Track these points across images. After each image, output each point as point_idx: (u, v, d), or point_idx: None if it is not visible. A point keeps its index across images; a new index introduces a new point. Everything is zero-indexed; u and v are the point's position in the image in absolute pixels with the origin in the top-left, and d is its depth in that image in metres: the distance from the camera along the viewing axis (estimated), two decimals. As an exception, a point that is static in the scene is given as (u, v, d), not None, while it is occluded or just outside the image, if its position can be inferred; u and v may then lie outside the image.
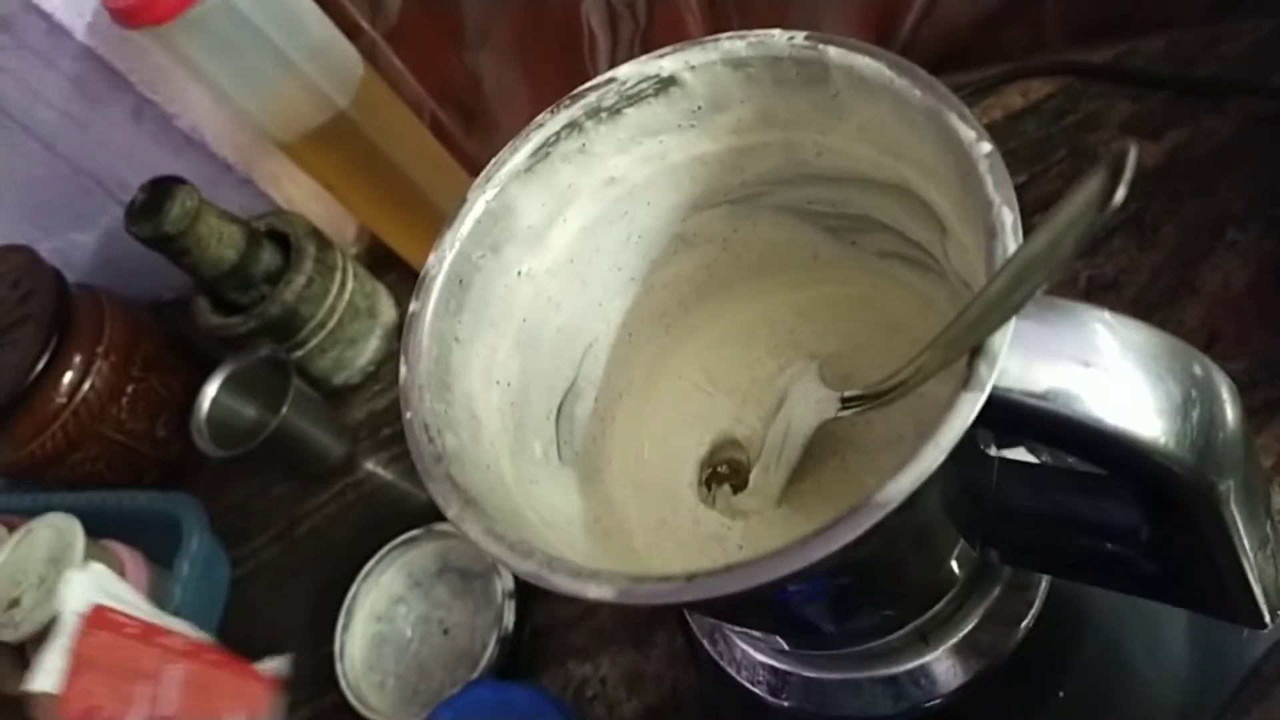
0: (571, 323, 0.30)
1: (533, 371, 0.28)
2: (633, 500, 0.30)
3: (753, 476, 0.28)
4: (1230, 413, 0.21)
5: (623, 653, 0.59)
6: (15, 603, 0.64)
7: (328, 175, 0.71)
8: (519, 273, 0.28)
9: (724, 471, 0.31)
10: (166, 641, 0.60)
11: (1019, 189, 0.65)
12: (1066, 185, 0.63)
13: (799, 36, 0.24)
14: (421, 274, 0.25)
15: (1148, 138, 0.63)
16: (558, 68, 0.73)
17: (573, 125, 0.27)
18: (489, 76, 0.75)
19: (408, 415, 0.23)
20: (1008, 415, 0.20)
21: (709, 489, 0.30)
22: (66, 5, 0.65)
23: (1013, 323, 0.19)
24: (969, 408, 0.18)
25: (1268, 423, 0.51)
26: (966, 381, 0.18)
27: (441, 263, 0.26)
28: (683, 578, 0.19)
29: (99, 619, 0.58)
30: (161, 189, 0.66)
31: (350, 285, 0.75)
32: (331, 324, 0.74)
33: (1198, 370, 0.21)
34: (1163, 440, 0.20)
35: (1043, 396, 0.20)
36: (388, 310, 0.79)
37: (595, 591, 0.19)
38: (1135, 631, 0.39)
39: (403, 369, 0.24)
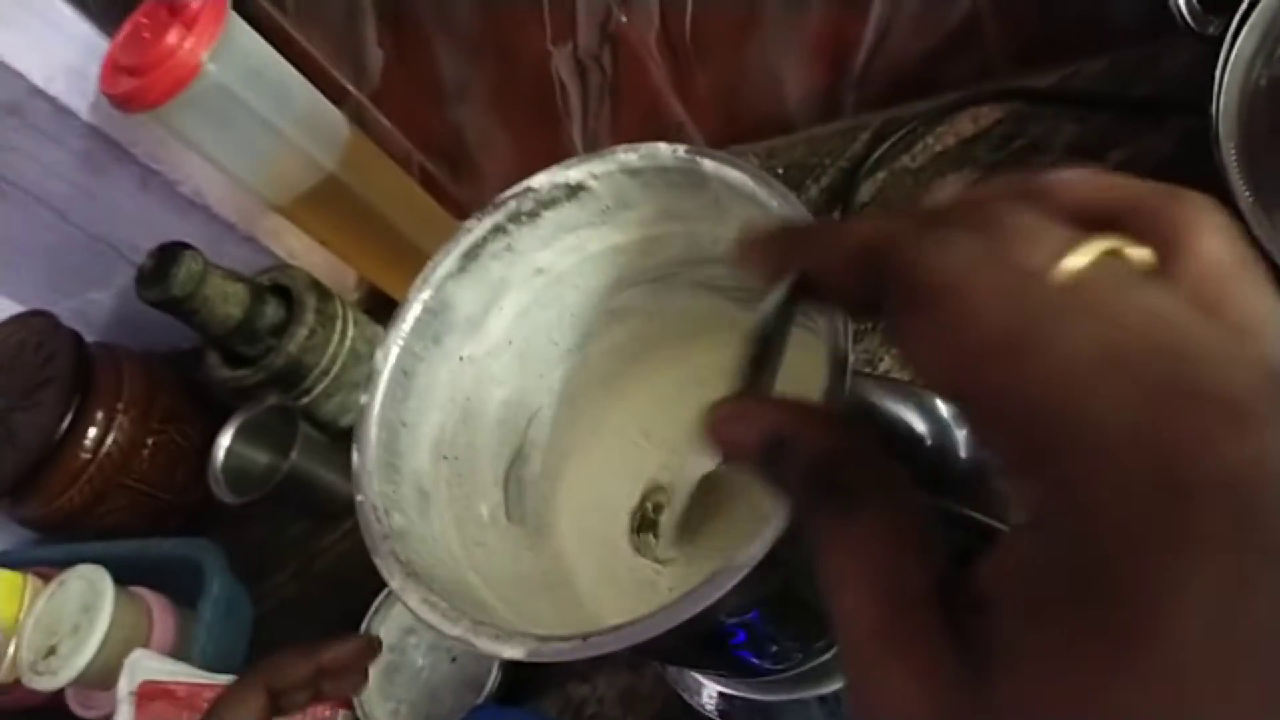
0: (515, 396, 0.34)
1: (479, 443, 0.32)
2: (578, 552, 0.34)
3: (662, 522, 0.32)
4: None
5: (618, 674, 0.63)
6: (52, 651, 0.69)
7: (323, 233, 0.75)
8: (460, 358, 0.32)
9: (651, 518, 0.34)
10: (213, 695, 0.65)
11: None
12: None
13: (680, 150, 0.28)
14: (369, 369, 0.29)
15: (1092, 158, 0.66)
16: (534, 116, 0.77)
17: (497, 229, 0.31)
18: (470, 128, 0.79)
19: (359, 498, 0.27)
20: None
21: (638, 536, 0.34)
22: (71, 89, 0.70)
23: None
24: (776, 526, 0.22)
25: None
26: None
27: (386, 358, 0.30)
28: (579, 637, 0.22)
29: (149, 691, 0.63)
30: (168, 254, 0.70)
31: (351, 332, 0.79)
32: (335, 370, 0.78)
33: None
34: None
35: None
36: (388, 353, 0.83)
37: (510, 651, 0.23)
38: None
39: (354, 456, 0.28)
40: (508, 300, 0.32)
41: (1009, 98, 0.69)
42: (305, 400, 0.78)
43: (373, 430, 0.28)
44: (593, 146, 0.76)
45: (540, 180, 0.30)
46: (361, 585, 0.70)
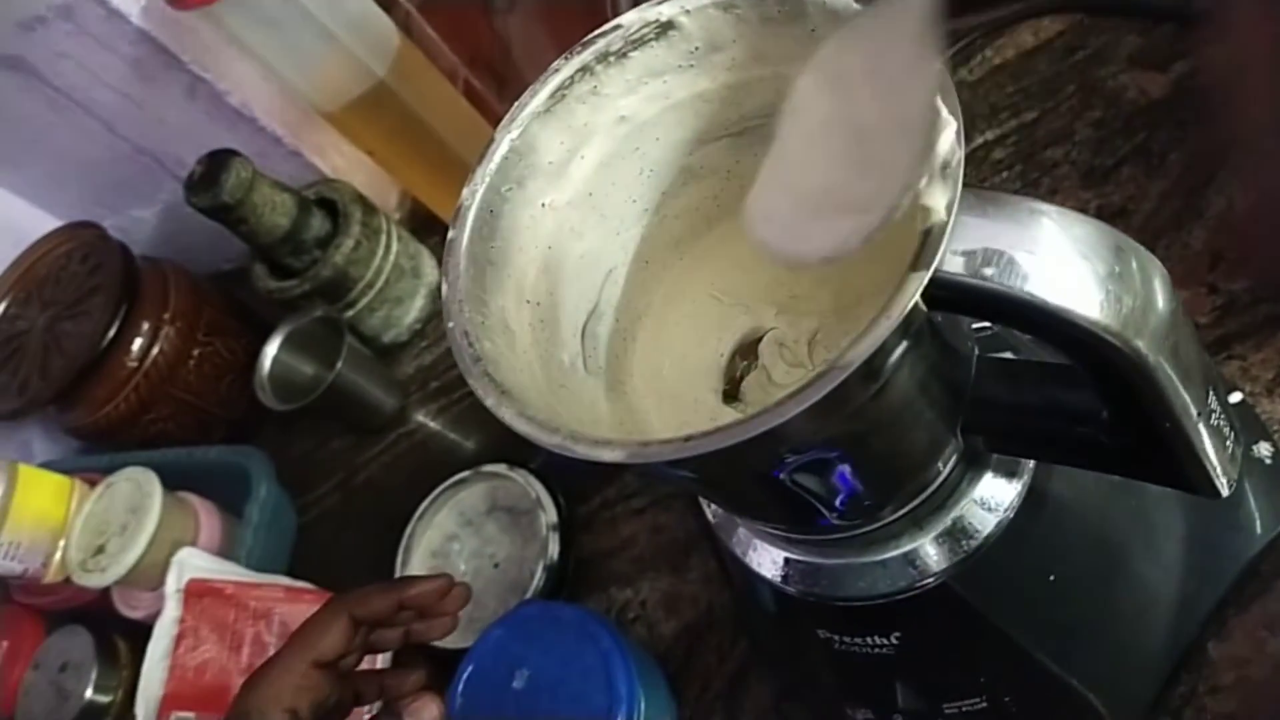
0: (593, 251, 0.33)
1: (559, 294, 0.32)
2: (654, 409, 0.34)
3: (748, 381, 0.32)
4: (1160, 293, 0.25)
5: (661, 578, 0.64)
6: (101, 550, 0.70)
7: (370, 142, 0.75)
8: (543, 204, 0.32)
9: (739, 376, 0.34)
10: (260, 594, 0.66)
11: (1031, 124, 0.68)
12: (1076, 120, 0.66)
13: (779, -22, 0.27)
14: (457, 205, 0.29)
15: (1154, 69, 0.65)
16: (582, 27, 0.76)
17: (584, 69, 0.30)
18: (517, 41, 0.79)
19: (449, 325, 0.27)
20: (955, 295, 0.23)
21: (738, 386, 0.34)
22: (122, -9, 0.70)
23: (956, 206, 0.22)
24: (915, 285, 0.21)
25: (1269, 338, 0.53)
26: (914, 262, 0.22)
27: (474, 195, 0.29)
28: (681, 438, 0.22)
29: (197, 589, 0.64)
30: (217, 161, 0.70)
31: (395, 247, 0.80)
32: (379, 284, 0.79)
33: (1130, 255, 0.24)
34: (1094, 313, 0.23)
35: (985, 277, 0.23)
36: (431, 271, 0.83)
37: (609, 454, 0.23)
38: (1128, 525, 0.42)
39: (444, 286, 0.28)
40: (590, 148, 0.32)
41: (1070, 9, 0.68)
42: (349, 313, 0.78)
43: (461, 262, 0.28)
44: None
45: (630, 17, 0.30)
46: (403, 497, 0.70)
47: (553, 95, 0.30)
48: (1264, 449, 0.46)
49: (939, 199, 0.22)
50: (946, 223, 0.22)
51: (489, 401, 0.25)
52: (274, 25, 0.64)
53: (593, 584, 0.65)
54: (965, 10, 0.71)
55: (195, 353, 0.80)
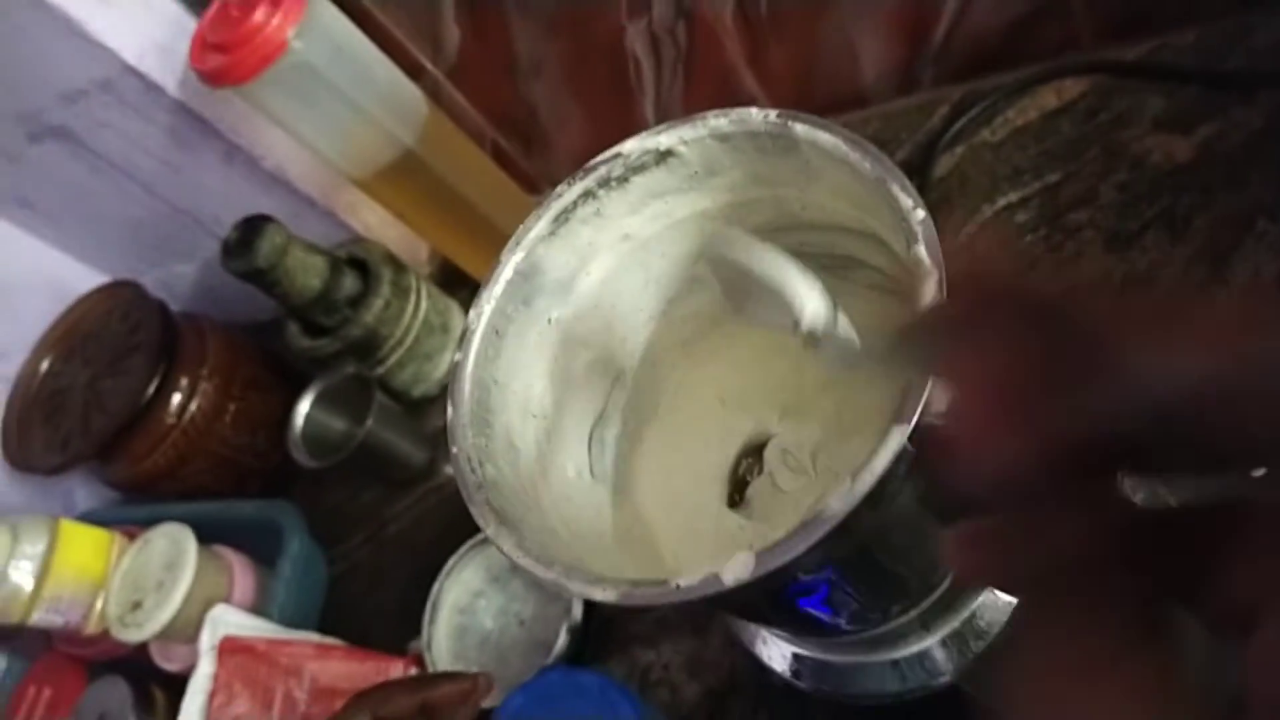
0: (600, 359, 0.34)
1: (565, 404, 0.33)
2: (660, 513, 0.35)
3: (753, 485, 0.33)
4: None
5: (683, 640, 0.64)
6: (138, 605, 0.71)
7: (400, 206, 0.77)
8: (549, 320, 0.33)
9: (745, 480, 0.35)
10: (293, 650, 0.67)
11: (1053, 187, 0.68)
12: (1100, 182, 0.65)
13: (771, 114, 0.28)
14: (462, 329, 0.30)
15: (1179, 133, 0.64)
16: (607, 91, 0.78)
17: (587, 194, 0.31)
18: (544, 104, 0.80)
19: (454, 450, 0.28)
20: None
21: (743, 491, 0.34)
22: (160, 66, 0.72)
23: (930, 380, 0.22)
24: (896, 439, 0.22)
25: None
26: (896, 414, 0.22)
27: (479, 319, 0.30)
28: (670, 582, 0.23)
29: (230, 646, 0.65)
30: (252, 227, 0.72)
31: (424, 304, 0.81)
32: (409, 341, 0.80)
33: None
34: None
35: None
36: (460, 325, 0.85)
37: (602, 594, 0.24)
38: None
39: (449, 410, 0.29)
40: (595, 264, 0.33)
41: (1094, 70, 0.68)
42: (380, 370, 0.80)
43: (466, 386, 0.29)
44: (665, 121, 0.77)
45: (630, 146, 0.31)
46: (432, 550, 0.71)
47: (556, 219, 0.32)
48: None
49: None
50: (924, 391, 0.22)
51: (488, 531, 0.26)
52: (305, 100, 0.66)
53: (616, 644, 0.66)
54: (987, 70, 0.71)
55: (231, 407, 0.82)
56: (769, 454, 0.34)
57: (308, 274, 0.75)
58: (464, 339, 0.30)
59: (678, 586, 0.23)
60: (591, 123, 0.82)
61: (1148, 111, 0.66)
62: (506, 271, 0.31)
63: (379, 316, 0.77)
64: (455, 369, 0.30)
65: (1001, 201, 0.67)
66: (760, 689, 0.59)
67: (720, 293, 0.36)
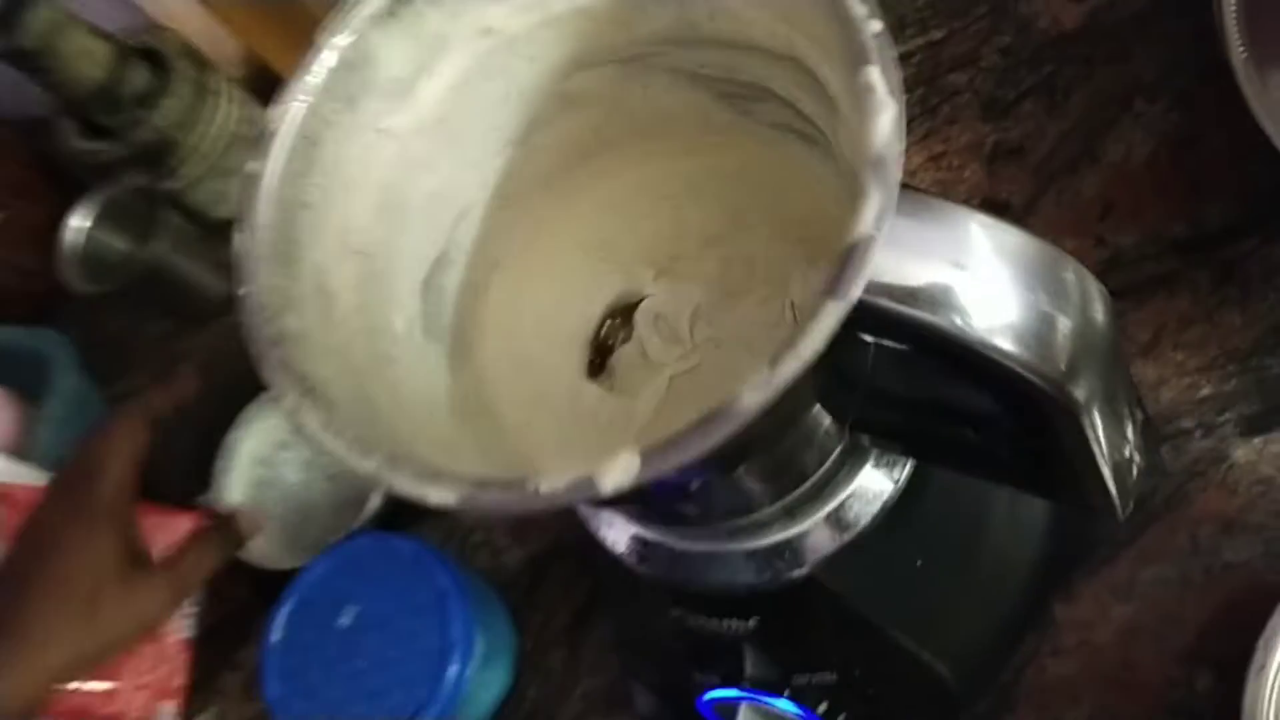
0: (443, 187, 0.28)
1: (397, 240, 0.26)
2: (506, 379, 0.29)
3: (619, 352, 0.27)
4: (1100, 325, 0.21)
5: (510, 501, 0.60)
6: None
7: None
8: (379, 130, 0.25)
9: (608, 345, 0.30)
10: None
11: (936, 45, 0.63)
12: (983, 44, 0.62)
13: (691, -120, 0.22)
14: (260, 130, 0.23)
15: (1071, -1, 0.61)
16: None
17: (440, -36, 0.24)
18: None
19: (242, 290, 0.21)
20: (874, 319, 0.19)
21: (605, 358, 0.29)
22: None
23: (882, 234, 0.17)
24: (831, 317, 0.17)
25: (1149, 298, 0.52)
26: (832, 288, 0.17)
27: (286, 118, 0.23)
28: (526, 484, 0.18)
29: None
30: (17, -3, 0.59)
31: (233, 111, 0.70)
32: (210, 152, 0.69)
33: (1070, 279, 0.21)
34: (1027, 354, 0.20)
35: (911, 300, 0.19)
36: (273, 139, 0.74)
37: (437, 496, 0.18)
38: (995, 497, 0.41)
39: (237, 237, 0.22)
40: (445, 64, 0.26)
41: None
42: (174, 183, 0.69)
43: (263, 207, 0.22)
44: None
45: (502, -98, 0.23)
46: (232, 392, 0.63)
47: (397, -5, 0.24)
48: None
49: (869, 206, 0.18)
50: (873, 241, 0.17)
51: (285, 403, 0.20)
52: None
53: (436, 505, 0.61)
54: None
55: (-12, 215, 0.70)
56: (639, 317, 0.29)
57: (88, 61, 0.62)
58: (262, 143, 0.23)
59: (537, 491, 0.18)
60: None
61: (1044, -38, 0.63)
62: (327, 59, 0.23)
63: (174, 120, 0.66)
64: (248, 183, 0.22)
65: (882, 55, 0.63)
66: (587, 558, 0.56)
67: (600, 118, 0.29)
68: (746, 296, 0.28)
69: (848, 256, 0.17)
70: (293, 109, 0.23)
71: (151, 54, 0.68)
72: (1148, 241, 0.54)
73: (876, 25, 0.19)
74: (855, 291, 0.17)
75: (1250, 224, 0.52)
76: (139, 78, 0.66)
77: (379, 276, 0.26)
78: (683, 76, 0.28)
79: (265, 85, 0.75)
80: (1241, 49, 0.46)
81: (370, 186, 0.25)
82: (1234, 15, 0.47)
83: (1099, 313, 0.21)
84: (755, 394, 0.17)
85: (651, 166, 0.30)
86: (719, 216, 0.30)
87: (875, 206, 0.18)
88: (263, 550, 0.59)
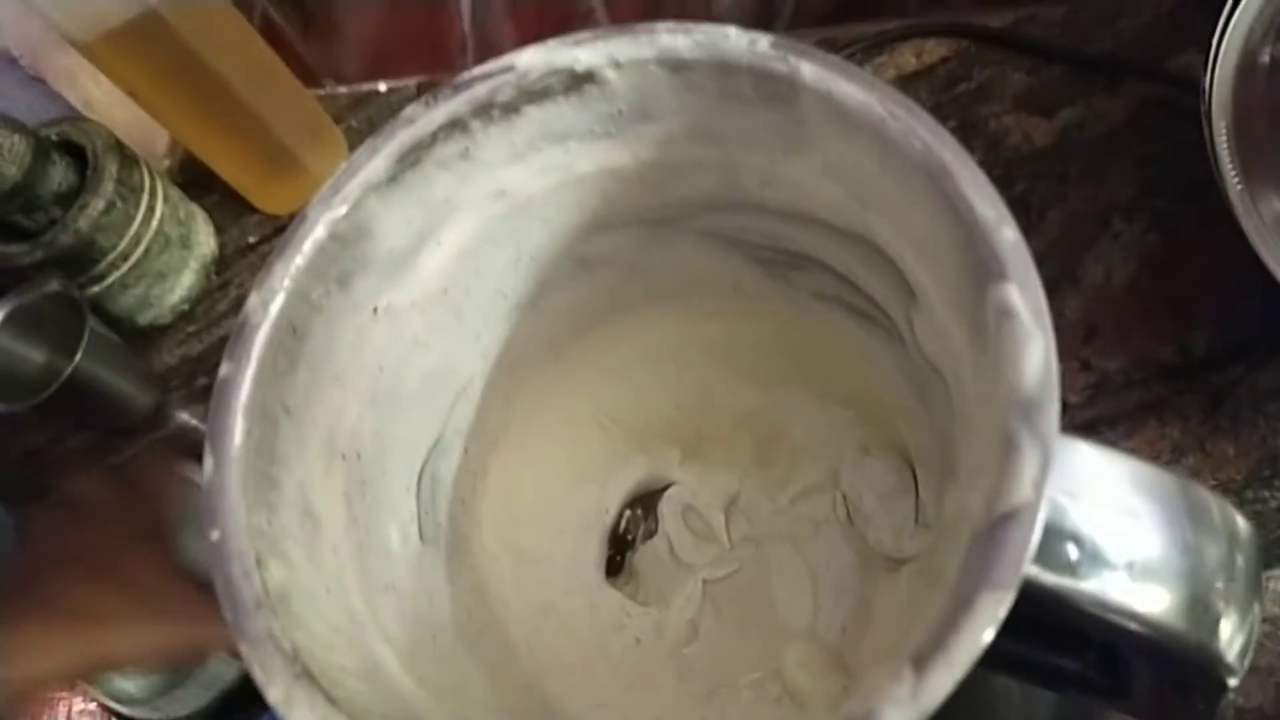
0: (441, 365, 0.23)
1: (390, 434, 0.22)
2: (509, 581, 0.24)
3: (638, 547, 0.23)
4: (1245, 573, 0.18)
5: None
6: None
7: (133, 81, 0.60)
8: (375, 309, 0.21)
9: (628, 539, 0.26)
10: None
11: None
12: (957, 157, 0.60)
13: (763, 41, 0.18)
14: (238, 323, 0.19)
15: (1040, 114, 0.60)
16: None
17: (454, 124, 0.20)
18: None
19: (214, 535, 0.17)
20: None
21: (622, 555, 0.25)
22: None
23: (1044, 500, 0.14)
24: (991, 613, 0.13)
25: (1140, 426, 0.50)
26: (984, 574, 0.14)
27: (268, 307, 0.19)
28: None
29: None
30: (-85, 86, 0.54)
31: (160, 210, 0.65)
32: (136, 255, 0.64)
33: (1214, 520, 0.17)
34: (1172, 620, 0.16)
35: (1059, 575, 0.15)
36: (206, 240, 0.69)
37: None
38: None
39: (208, 464, 0.17)
40: (451, 231, 0.22)
41: (957, 34, 0.63)
42: (95, 289, 0.64)
43: (237, 423, 0.18)
44: (480, 21, 0.65)
45: (531, 59, 0.20)
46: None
47: (403, 159, 0.20)
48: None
49: (1024, 465, 0.14)
50: (1034, 510, 0.14)
51: (273, 694, 0.15)
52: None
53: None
54: (848, 18, 0.64)
55: (-120, 320, 0.63)
56: (664, 508, 0.25)
57: (2, 158, 0.57)
58: (237, 339, 0.18)
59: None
60: (391, 9, 0.67)
61: (1010, 88, 0.62)
62: (317, 233, 0.19)
63: (97, 222, 0.61)
64: (219, 391, 0.18)
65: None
66: None
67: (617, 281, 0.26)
68: (788, 486, 0.25)
69: (1002, 531, 0.14)
70: (277, 297, 0.19)
71: (74, 148, 0.63)
72: (1134, 367, 0.52)
73: (1010, 235, 0.16)
74: (1017, 575, 0.14)
75: (1236, 350, 0.51)
76: (60, 175, 0.61)
77: (371, 482, 0.21)
78: (717, 240, 0.24)
79: (195, 179, 0.71)
80: (1236, 180, 0.45)
81: (361, 376, 0.21)
82: (1226, 144, 0.46)
83: (1244, 558, 0.18)
84: (895, 713, 0.13)
85: (671, 331, 0.27)
86: (750, 390, 0.26)
87: (1033, 465, 0.14)
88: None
